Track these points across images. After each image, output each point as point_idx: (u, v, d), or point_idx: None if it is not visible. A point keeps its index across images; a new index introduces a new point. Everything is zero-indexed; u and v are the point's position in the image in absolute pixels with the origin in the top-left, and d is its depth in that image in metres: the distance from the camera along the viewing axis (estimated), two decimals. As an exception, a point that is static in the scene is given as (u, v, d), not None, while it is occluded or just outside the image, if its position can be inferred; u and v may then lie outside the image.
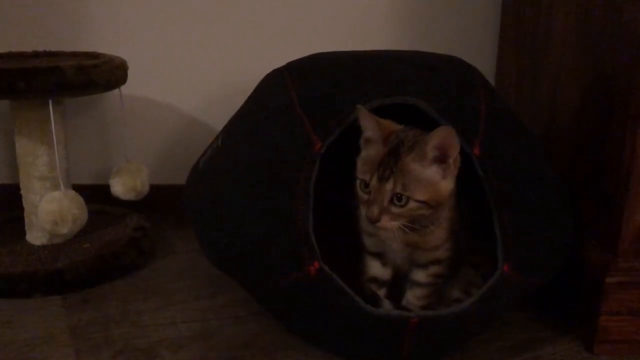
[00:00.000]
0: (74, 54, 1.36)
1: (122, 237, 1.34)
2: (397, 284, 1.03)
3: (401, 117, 1.05)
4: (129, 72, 1.35)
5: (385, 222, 0.86)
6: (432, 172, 0.87)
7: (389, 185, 0.85)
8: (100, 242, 1.32)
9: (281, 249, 0.90)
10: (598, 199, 1.07)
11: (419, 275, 0.98)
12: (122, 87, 1.32)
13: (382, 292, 1.00)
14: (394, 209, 0.86)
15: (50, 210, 1.18)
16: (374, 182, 0.87)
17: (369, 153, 0.90)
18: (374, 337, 0.92)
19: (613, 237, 1.02)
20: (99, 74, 1.19)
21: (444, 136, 0.84)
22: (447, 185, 0.88)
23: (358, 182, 0.90)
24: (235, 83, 1.49)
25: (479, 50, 1.52)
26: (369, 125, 0.89)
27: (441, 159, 0.86)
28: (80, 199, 1.23)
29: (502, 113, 1.05)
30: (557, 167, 1.14)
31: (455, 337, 0.96)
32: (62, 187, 1.22)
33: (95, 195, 1.49)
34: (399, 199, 0.86)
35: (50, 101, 1.17)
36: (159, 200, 1.54)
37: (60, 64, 1.15)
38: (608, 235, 1.03)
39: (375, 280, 1.01)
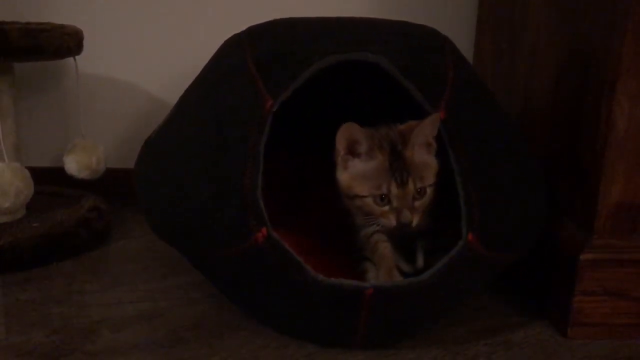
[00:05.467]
0: (27, 24, 1.29)
1: (74, 218, 1.26)
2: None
3: (360, 80, 0.99)
4: (89, 49, 1.28)
5: (416, 220, 0.88)
6: (425, 155, 0.89)
7: (411, 186, 0.87)
8: (51, 222, 1.24)
9: (227, 216, 0.82)
10: (573, 174, 1.00)
11: None
12: (81, 65, 1.25)
13: None
14: (417, 204, 0.88)
15: (-9, 183, 1.10)
16: (394, 190, 0.87)
17: (369, 166, 0.88)
18: (327, 311, 0.84)
19: (589, 213, 0.95)
20: (47, 39, 1.12)
21: (434, 124, 0.86)
22: (435, 160, 0.90)
23: (370, 199, 0.88)
24: (202, 60, 1.43)
25: (457, 25, 1.46)
26: (362, 137, 0.87)
27: (427, 142, 0.89)
28: (25, 172, 1.15)
29: (472, 82, 0.99)
30: (533, 146, 1.08)
31: (417, 314, 0.89)
32: (6, 159, 1.15)
33: (54, 177, 1.43)
34: (420, 192, 0.88)
35: (-7, 65, 1.10)
36: (119, 184, 1.46)
37: (4, 26, 1.08)
38: (583, 212, 0.97)
39: None
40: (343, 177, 0.90)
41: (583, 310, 0.95)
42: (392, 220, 0.87)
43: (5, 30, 1.07)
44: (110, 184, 1.44)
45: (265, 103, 0.84)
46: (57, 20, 1.35)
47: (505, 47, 1.29)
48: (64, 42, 1.16)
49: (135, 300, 1.05)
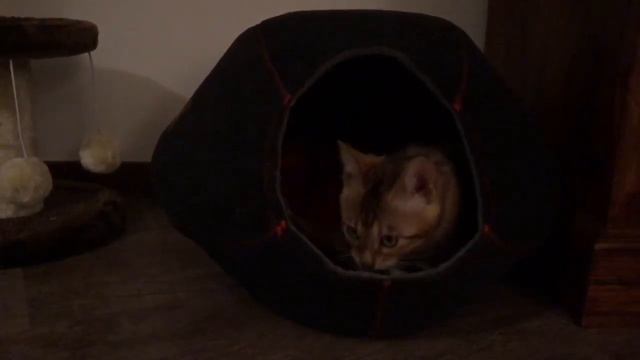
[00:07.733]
0: (43, 20, 1.30)
1: (91, 211, 1.28)
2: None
3: (378, 74, 0.99)
4: (103, 44, 1.30)
5: (380, 263, 0.84)
6: (415, 202, 0.84)
7: (375, 230, 0.83)
8: (69, 216, 1.26)
9: (246, 209, 0.84)
10: (588, 164, 1.01)
11: None
12: (96, 60, 1.27)
13: None
14: (385, 250, 0.84)
15: (11, 177, 1.12)
16: (360, 228, 0.85)
17: (350, 194, 0.87)
18: (345, 303, 0.86)
19: (603, 203, 0.96)
20: (64, 35, 1.13)
21: (420, 166, 0.83)
22: (433, 209, 0.85)
23: (345, 227, 0.87)
24: (216, 54, 1.44)
25: (468, 17, 1.46)
26: (349, 161, 0.87)
27: (421, 186, 0.84)
28: (44, 167, 1.17)
29: (488, 75, 0.99)
30: (547, 135, 1.08)
31: (432, 305, 0.90)
32: (24, 154, 1.16)
33: (70, 171, 1.44)
34: (389, 240, 0.84)
35: (10, 62, 1.10)
36: (134, 178, 1.48)
37: (22, 22, 1.09)
38: (598, 201, 0.97)
39: None
40: (342, 195, 0.90)
41: (598, 299, 0.95)
42: (356, 256, 0.85)
43: (23, 26, 1.08)
44: (126, 177, 1.45)
45: (282, 98, 0.85)
46: (71, 15, 1.36)
47: (517, 38, 1.29)
48: (80, 38, 1.17)
49: (154, 291, 1.06)
